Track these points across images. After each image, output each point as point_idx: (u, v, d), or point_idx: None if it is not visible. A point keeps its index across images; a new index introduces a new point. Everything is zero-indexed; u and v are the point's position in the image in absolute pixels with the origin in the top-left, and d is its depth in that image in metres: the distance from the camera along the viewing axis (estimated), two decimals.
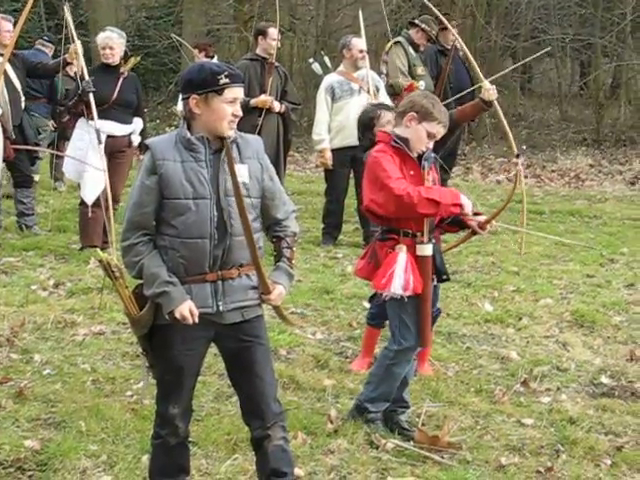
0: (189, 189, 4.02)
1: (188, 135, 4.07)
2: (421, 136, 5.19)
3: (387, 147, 5.24)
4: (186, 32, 21.50)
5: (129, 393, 5.82)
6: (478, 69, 7.28)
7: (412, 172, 5.20)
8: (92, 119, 9.08)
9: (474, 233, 5.55)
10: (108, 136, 9.21)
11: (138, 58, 10.23)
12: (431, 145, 5.27)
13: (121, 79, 9.50)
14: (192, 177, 4.03)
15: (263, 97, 10.02)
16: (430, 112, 5.19)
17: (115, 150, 9.35)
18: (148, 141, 4.13)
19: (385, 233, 5.32)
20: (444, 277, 5.45)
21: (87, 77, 9.08)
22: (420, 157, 5.24)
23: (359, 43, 10.34)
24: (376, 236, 5.47)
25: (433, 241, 5.29)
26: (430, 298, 5.33)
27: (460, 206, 5.18)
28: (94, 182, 9.17)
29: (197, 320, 4.02)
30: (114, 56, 9.50)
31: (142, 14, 24.46)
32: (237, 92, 4.09)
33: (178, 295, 4.02)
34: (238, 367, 4.26)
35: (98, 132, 8.98)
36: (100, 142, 8.93)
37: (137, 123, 9.69)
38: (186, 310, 4.01)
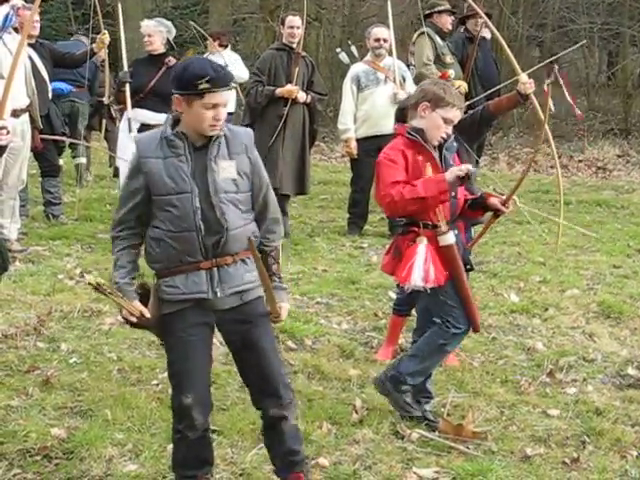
0: (171, 185, 4.08)
1: (168, 132, 4.11)
2: (437, 123, 5.17)
3: (401, 141, 5.24)
4: (212, 21, 21.51)
5: (155, 382, 5.84)
6: (515, 61, 7.11)
7: (428, 163, 5.19)
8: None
9: (497, 215, 5.50)
10: (143, 125, 9.26)
11: (190, 51, 10.29)
12: (450, 131, 5.24)
13: (163, 69, 9.51)
14: (173, 173, 4.08)
15: (289, 87, 10.02)
16: (442, 97, 5.16)
17: None
18: (137, 138, 4.16)
19: (406, 226, 5.31)
20: (467, 267, 5.42)
21: (126, 68, 9.17)
22: (442, 147, 5.23)
23: (377, 32, 10.34)
24: (398, 230, 5.46)
25: (455, 232, 5.27)
26: (466, 282, 5.29)
27: (448, 192, 5.09)
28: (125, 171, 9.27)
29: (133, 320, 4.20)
30: (152, 44, 9.55)
31: (168, 4, 24.47)
32: (218, 98, 4.04)
33: (129, 294, 4.18)
34: (245, 349, 4.29)
35: (129, 121, 9.08)
36: (131, 130, 9.00)
37: None
38: (131, 308, 4.16)
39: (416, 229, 5.22)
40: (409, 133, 5.21)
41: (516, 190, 5.43)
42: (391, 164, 5.17)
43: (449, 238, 5.20)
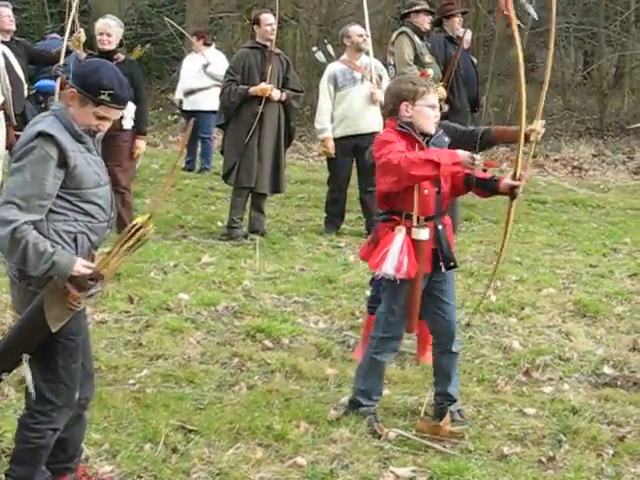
0: (96, 177, 4.16)
1: (76, 128, 4.11)
2: (425, 114, 5.16)
3: (392, 131, 5.21)
4: (189, 20, 21.44)
5: (131, 382, 5.82)
6: (541, 106, 6.34)
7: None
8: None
9: (514, 196, 5.43)
10: None
11: (147, 46, 10.23)
12: (437, 119, 5.23)
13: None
14: (94, 166, 4.17)
15: (262, 85, 9.97)
16: (415, 90, 5.15)
17: (106, 135, 9.40)
18: (52, 132, 4.05)
19: (388, 214, 5.27)
20: (451, 264, 5.33)
21: (61, 62, 9.29)
22: (428, 142, 5.21)
23: (358, 29, 10.32)
24: (379, 218, 5.40)
25: (440, 227, 5.24)
26: (420, 284, 5.23)
27: (460, 164, 5.09)
28: None
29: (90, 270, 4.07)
30: (110, 43, 9.50)
31: (145, 2, 24.37)
32: (111, 113, 4.14)
33: (68, 257, 4.01)
34: None
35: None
36: None
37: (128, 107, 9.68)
38: (81, 266, 4.02)
39: (397, 218, 5.19)
40: (400, 126, 5.18)
41: (517, 161, 5.34)
42: (393, 136, 5.14)
43: (421, 233, 5.15)
